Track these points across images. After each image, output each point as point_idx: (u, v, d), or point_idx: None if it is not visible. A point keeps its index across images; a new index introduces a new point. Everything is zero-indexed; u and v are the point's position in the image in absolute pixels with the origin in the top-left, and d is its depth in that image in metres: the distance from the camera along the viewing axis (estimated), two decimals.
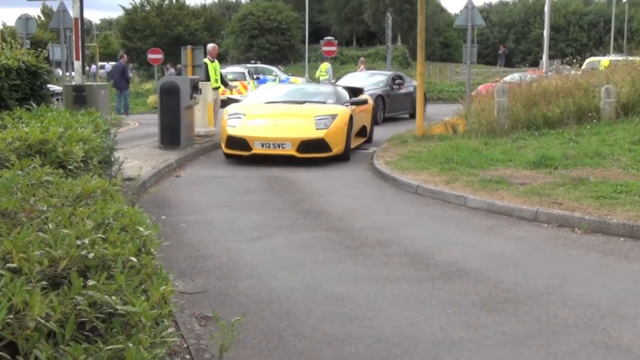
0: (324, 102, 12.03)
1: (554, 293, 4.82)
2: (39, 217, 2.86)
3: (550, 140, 11.14)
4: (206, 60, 14.33)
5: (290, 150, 10.66)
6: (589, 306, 4.54)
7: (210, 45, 15.00)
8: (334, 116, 11.06)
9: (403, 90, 19.79)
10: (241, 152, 10.92)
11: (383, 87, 19.07)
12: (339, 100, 12.18)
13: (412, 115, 19.63)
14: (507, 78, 23.74)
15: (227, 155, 11.28)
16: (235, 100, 13.37)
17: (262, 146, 10.72)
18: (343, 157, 11.15)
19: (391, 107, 19.05)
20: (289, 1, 56.50)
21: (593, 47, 59.62)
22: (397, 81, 19.95)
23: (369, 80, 19.60)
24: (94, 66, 34.23)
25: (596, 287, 4.99)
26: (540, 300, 4.68)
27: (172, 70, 29.05)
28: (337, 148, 10.94)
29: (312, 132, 10.77)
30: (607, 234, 6.43)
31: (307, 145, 10.68)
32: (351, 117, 11.42)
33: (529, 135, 11.78)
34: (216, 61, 14.68)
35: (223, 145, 11.31)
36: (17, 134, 4.71)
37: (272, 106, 11.95)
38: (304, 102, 12.03)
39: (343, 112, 11.36)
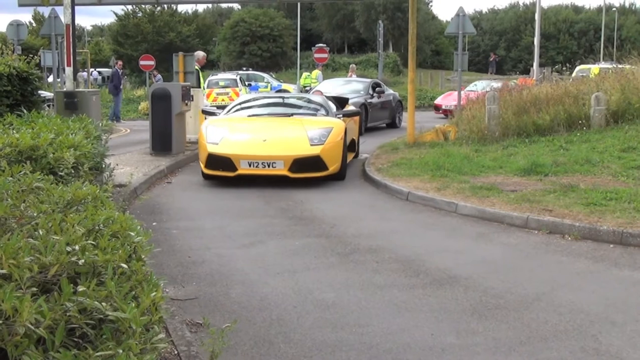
0: (314, 114, 10.99)
1: (544, 299, 4.83)
2: (29, 223, 2.85)
3: (540, 148, 11.19)
4: (197, 66, 14.38)
5: (282, 170, 9.47)
6: (579, 312, 4.56)
7: (200, 54, 15.01)
8: (329, 130, 9.88)
9: (383, 99, 18.74)
10: (225, 173, 9.64)
11: (364, 95, 17.97)
12: (330, 112, 11.06)
13: (390, 125, 19.22)
14: (471, 86, 23.73)
15: (207, 177, 9.93)
16: (211, 113, 11.79)
17: (250, 165, 9.50)
18: (339, 177, 10.03)
19: (373, 116, 18.03)
20: (280, 8, 56.65)
21: (583, 55, 60.00)
22: (377, 89, 18.75)
23: (346, 87, 18.59)
24: (84, 73, 34.16)
25: (586, 293, 5.01)
26: (530, 306, 4.69)
27: (159, 76, 29.06)
28: (333, 166, 9.78)
29: (306, 149, 9.57)
30: (597, 240, 6.46)
31: (301, 163, 9.52)
32: (345, 131, 10.36)
33: (520, 142, 11.82)
34: None
35: (202, 166, 9.86)
36: (8, 140, 4.70)
37: (258, 119, 10.78)
38: (292, 115, 10.90)
39: (338, 125, 10.22)
